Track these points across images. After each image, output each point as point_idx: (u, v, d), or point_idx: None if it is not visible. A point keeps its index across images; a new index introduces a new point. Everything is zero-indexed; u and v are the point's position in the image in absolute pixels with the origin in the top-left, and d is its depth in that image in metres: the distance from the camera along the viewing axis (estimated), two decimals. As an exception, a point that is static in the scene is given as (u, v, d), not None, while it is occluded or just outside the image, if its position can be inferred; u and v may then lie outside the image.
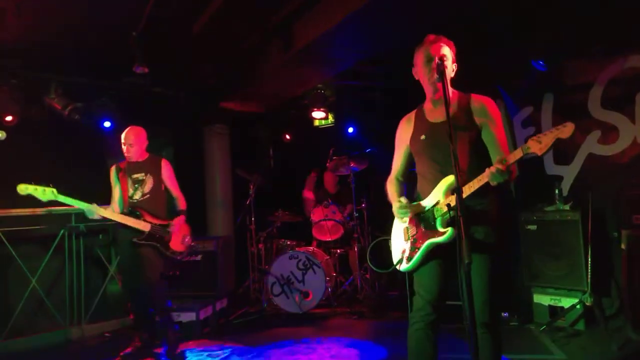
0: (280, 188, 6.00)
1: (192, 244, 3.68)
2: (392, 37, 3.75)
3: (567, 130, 1.62)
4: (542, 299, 3.83)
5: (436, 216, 1.97)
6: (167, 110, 5.50)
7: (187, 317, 4.06)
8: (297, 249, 4.87)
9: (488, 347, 1.93)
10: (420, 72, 2.09)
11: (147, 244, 3.40)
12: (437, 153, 2.03)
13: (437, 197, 1.99)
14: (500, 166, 1.74)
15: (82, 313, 4.18)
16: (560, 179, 4.14)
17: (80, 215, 4.01)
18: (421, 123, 2.14)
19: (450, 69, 2.04)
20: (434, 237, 1.97)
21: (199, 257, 4.61)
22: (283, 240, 5.14)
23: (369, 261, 2.93)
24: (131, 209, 3.46)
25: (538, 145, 1.66)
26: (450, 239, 1.90)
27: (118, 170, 3.58)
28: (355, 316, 4.51)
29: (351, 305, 4.80)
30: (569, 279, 3.65)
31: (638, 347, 3.14)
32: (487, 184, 1.82)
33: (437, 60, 1.92)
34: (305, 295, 4.57)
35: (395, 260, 2.18)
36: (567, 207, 3.84)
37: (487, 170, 1.78)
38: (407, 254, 2.08)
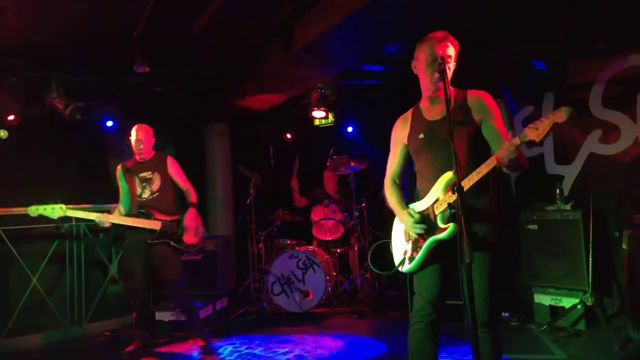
0: (281, 187, 6.01)
1: (206, 234, 3.66)
2: (392, 36, 3.75)
3: (562, 114, 1.59)
4: (543, 299, 3.82)
5: (436, 213, 1.96)
6: (168, 110, 5.50)
7: (188, 316, 4.06)
8: (297, 248, 4.87)
9: (489, 347, 1.93)
10: (422, 68, 2.06)
11: (161, 242, 3.40)
12: (436, 151, 2.02)
13: (437, 194, 1.98)
14: (504, 148, 1.71)
15: (83, 312, 4.18)
16: (561, 178, 4.14)
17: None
18: (419, 122, 2.13)
19: (452, 66, 2.03)
20: (435, 234, 1.96)
21: (199, 257, 4.61)
22: (283, 239, 5.15)
23: (370, 263, 2.92)
24: (140, 209, 3.46)
25: (535, 132, 1.65)
26: (452, 235, 1.88)
27: (124, 170, 3.58)
28: (356, 315, 4.51)
29: (351, 305, 4.81)
30: (569, 278, 3.65)
31: (639, 347, 3.13)
32: (487, 179, 1.82)
33: (440, 61, 1.90)
34: (306, 294, 4.57)
35: (397, 261, 2.17)
36: (568, 206, 3.84)
37: (488, 160, 1.76)
38: (409, 254, 2.07)
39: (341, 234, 5.20)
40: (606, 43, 3.78)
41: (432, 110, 2.09)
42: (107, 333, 4.18)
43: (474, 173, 1.80)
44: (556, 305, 3.74)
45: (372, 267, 2.51)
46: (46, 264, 4.05)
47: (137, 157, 3.60)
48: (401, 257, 2.13)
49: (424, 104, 2.15)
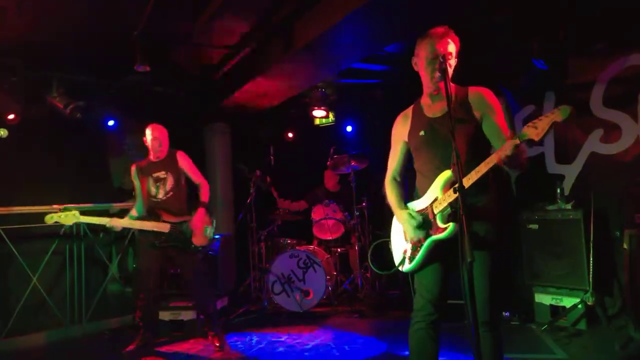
0: (281, 187, 6.00)
1: (214, 235, 3.65)
2: (392, 36, 3.74)
3: (561, 113, 1.59)
4: (544, 299, 3.82)
5: (435, 213, 1.96)
6: (168, 109, 5.50)
7: (188, 315, 4.06)
8: (297, 247, 4.87)
9: (489, 346, 1.92)
10: (422, 66, 2.05)
11: (169, 246, 3.41)
12: (436, 148, 2.01)
13: (435, 193, 1.97)
14: (506, 146, 1.69)
15: (83, 311, 4.18)
16: (562, 178, 4.13)
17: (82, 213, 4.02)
18: (419, 119, 2.11)
19: (453, 66, 2.02)
20: (435, 233, 1.95)
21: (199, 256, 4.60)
22: (284, 238, 5.14)
23: (370, 263, 2.91)
24: (150, 210, 3.47)
25: (534, 131, 1.64)
26: (452, 234, 1.88)
27: (138, 170, 3.60)
28: (356, 315, 4.51)
29: (352, 304, 4.81)
30: (570, 278, 3.64)
31: (640, 347, 3.13)
32: (486, 177, 1.81)
33: (441, 59, 1.89)
34: (306, 293, 4.57)
35: (397, 261, 2.16)
36: (569, 206, 3.83)
37: (488, 158, 1.75)
38: (409, 253, 2.07)
39: (342, 233, 5.20)
40: (606, 43, 3.78)
41: (433, 108, 2.08)
42: (107, 332, 4.18)
43: (473, 172, 1.79)
44: (557, 304, 3.73)
45: (372, 267, 2.50)
46: (46, 263, 4.05)
47: (152, 157, 3.62)
48: (401, 257, 2.13)
49: (425, 100, 2.13)
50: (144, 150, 3.76)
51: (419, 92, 2.17)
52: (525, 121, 4.38)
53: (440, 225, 1.93)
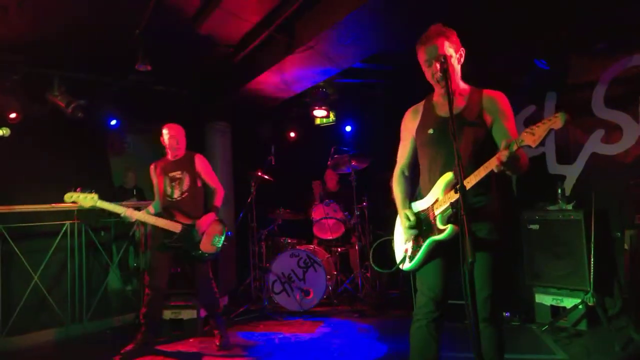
0: (282, 186, 6.00)
1: (225, 243, 3.58)
2: (393, 35, 3.74)
3: (558, 120, 1.59)
4: (544, 299, 3.81)
5: (436, 214, 1.96)
6: (170, 108, 5.51)
7: (188, 314, 4.06)
8: (298, 247, 4.87)
9: (489, 339, 1.93)
10: (424, 69, 2.07)
11: (176, 247, 3.41)
12: (442, 149, 2.00)
13: (436, 194, 1.98)
14: (503, 152, 1.68)
15: (84, 310, 4.19)
16: (563, 178, 4.13)
17: (83, 212, 4.03)
18: (429, 116, 2.11)
19: (456, 61, 2.01)
20: (434, 234, 1.96)
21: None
22: (284, 238, 5.14)
23: (371, 262, 2.91)
24: (165, 209, 3.47)
25: (532, 137, 1.64)
26: (451, 235, 1.88)
27: (156, 168, 3.62)
28: (356, 314, 4.51)
29: (352, 304, 4.81)
30: (571, 278, 3.64)
31: (640, 348, 3.13)
32: (487, 180, 1.81)
33: (442, 60, 1.88)
34: (306, 293, 4.57)
35: (398, 259, 2.18)
36: (569, 206, 3.83)
37: (487, 162, 1.74)
38: (409, 252, 2.08)
39: (342, 232, 5.20)
40: (608, 43, 3.77)
41: (444, 106, 2.05)
42: (108, 331, 4.18)
43: (472, 175, 1.80)
44: (557, 305, 3.73)
45: (373, 266, 2.50)
46: (47, 262, 4.05)
47: (169, 157, 3.62)
48: (402, 256, 2.14)
49: (437, 99, 2.12)
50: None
51: (420, 92, 2.17)
52: (527, 121, 4.43)
53: (440, 226, 1.94)
